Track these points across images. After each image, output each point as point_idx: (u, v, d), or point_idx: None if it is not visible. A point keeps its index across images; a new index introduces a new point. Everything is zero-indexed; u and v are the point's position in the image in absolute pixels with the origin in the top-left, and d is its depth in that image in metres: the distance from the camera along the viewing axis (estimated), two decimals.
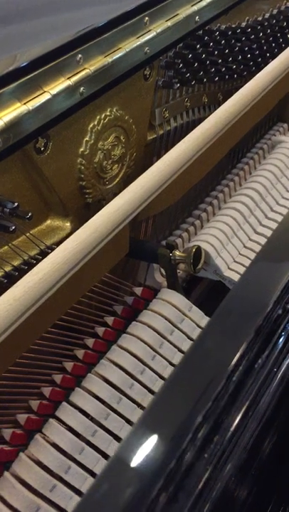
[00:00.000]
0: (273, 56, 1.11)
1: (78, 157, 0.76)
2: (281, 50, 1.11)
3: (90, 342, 0.81)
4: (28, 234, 0.69)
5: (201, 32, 0.91)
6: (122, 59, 0.75)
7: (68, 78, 0.68)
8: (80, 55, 0.69)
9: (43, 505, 0.61)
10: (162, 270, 0.94)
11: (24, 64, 0.65)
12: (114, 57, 0.75)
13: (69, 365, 0.78)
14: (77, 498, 0.62)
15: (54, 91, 0.66)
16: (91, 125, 0.75)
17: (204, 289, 1.02)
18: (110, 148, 0.80)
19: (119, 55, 0.75)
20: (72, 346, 0.80)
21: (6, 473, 0.63)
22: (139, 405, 0.72)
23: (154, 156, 0.92)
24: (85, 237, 0.68)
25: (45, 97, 0.66)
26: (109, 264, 0.82)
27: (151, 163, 0.93)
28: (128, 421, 0.70)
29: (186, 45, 0.89)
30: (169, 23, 0.83)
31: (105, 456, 0.66)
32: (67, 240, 0.66)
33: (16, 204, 0.62)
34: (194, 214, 1.06)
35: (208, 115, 1.04)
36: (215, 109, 1.07)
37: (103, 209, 0.70)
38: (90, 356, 0.80)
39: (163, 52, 0.84)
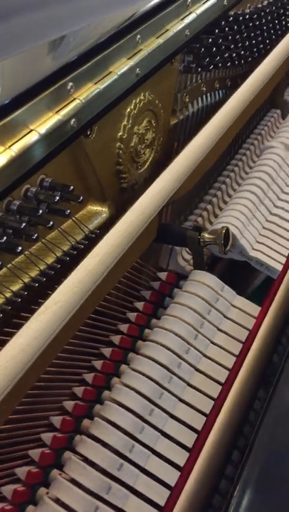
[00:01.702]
0: (273, 43, 1.14)
1: (117, 141, 0.76)
2: (281, 36, 1.14)
3: (123, 327, 0.82)
4: (74, 219, 0.69)
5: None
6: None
7: (129, 58, 0.68)
8: (138, 36, 0.70)
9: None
10: (183, 255, 0.96)
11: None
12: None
13: (108, 351, 0.79)
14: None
15: (119, 71, 0.66)
16: (128, 109, 0.76)
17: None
18: (144, 133, 0.80)
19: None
20: (106, 332, 0.81)
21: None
22: (188, 384, 0.73)
23: (175, 141, 0.93)
24: (132, 219, 0.69)
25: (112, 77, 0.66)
26: (141, 250, 0.83)
27: (172, 149, 0.95)
28: (180, 399, 0.71)
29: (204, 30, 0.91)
30: None
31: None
32: (118, 223, 0.67)
33: (71, 188, 0.62)
34: (205, 199, 1.08)
35: (219, 100, 1.07)
36: (224, 95, 1.10)
37: (146, 192, 0.71)
38: (126, 341, 0.81)
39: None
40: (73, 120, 0.60)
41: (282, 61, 1.10)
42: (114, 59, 0.67)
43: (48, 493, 0.65)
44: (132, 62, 0.69)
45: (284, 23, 1.17)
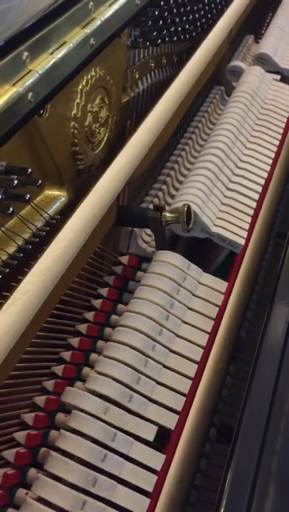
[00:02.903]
0: (214, 17, 1.13)
1: (71, 120, 0.72)
2: (222, 11, 1.13)
3: (89, 315, 0.80)
4: (33, 204, 0.65)
5: None
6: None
7: (83, 27, 0.65)
8: (91, 3, 0.67)
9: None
10: (143, 237, 0.94)
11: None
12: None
13: (75, 341, 0.76)
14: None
15: (74, 40, 0.63)
16: (80, 86, 0.72)
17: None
18: (98, 111, 0.77)
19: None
20: (72, 321, 0.78)
21: None
22: (164, 365, 0.71)
23: (128, 119, 0.91)
24: (95, 201, 0.66)
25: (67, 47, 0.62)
26: (101, 234, 0.80)
27: (125, 128, 0.92)
28: (157, 382, 0.70)
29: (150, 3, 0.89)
30: None
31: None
32: (80, 206, 0.64)
33: (29, 170, 0.58)
34: (159, 180, 1.06)
35: (167, 77, 1.05)
36: (172, 71, 1.08)
37: (106, 173, 0.69)
38: (93, 329, 0.78)
39: None
40: (30, 94, 0.56)
41: (225, 36, 1.10)
42: (68, 28, 0.63)
43: (27, 493, 0.62)
44: (87, 31, 0.65)
45: None
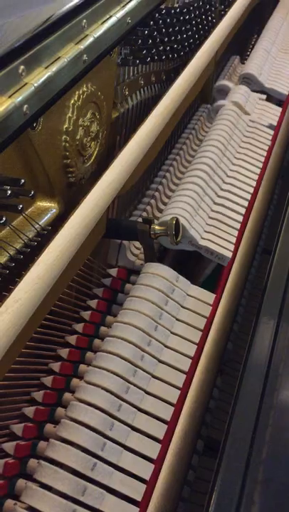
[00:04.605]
0: (201, 38, 1.16)
1: (63, 134, 0.74)
2: (208, 32, 1.17)
3: (78, 327, 0.80)
4: (25, 215, 0.66)
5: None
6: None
7: (76, 43, 0.67)
8: (84, 21, 0.69)
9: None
10: (132, 249, 0.95)
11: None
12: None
13: (65, 352, 0.77)
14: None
15: (67, 56, 0.65)
16: (72, 101, 0.74)
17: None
18: (89, 125, 0.79)
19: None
20: (61, 333, 0.79)
21: None
22: (152, 376, 0.72)
23: (118, 134, 0.92)
24: (86, 213, 0.67)
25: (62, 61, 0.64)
26: (91, 246, 0.81)
27: (115, 143, 0.94)
28: (146, 392, 0.70)
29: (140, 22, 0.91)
30: None
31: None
32: (72, 217, 0.65)
33: (22, 181, 0.59)
34: (148, 194, 1.08)
35: (156, 94, 1.07)
36: (161, 89, 1.11)
37: (97, 185, 0.70)
38: (82, 340, 0.79)
39: None
40: (26, 106, 0.58)
41: (212, 55, 1.13)
42: (62, 43, 0.65)
43: (16, 503, 0.62)
44: (80, 46, 0.67)
45: (210, 18, 1.20)
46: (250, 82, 1.39)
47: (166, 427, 0.68)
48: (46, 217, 0.73)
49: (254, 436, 0.71)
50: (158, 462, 0.66)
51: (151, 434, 0.67)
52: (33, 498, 0.58)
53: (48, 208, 0.74)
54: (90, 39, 0.70)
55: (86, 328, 0.80)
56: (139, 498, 0.62)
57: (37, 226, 0.68)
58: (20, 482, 0.64)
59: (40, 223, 0.71)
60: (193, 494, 0.78)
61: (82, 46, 0.68)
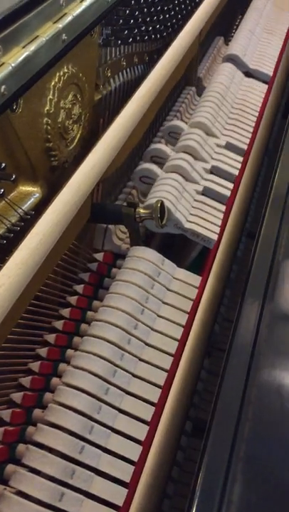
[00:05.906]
0: (184, 18, 1.15)
1: (44, 116, 0.73)
2: (191, 12, 1.15)
3: (65, 312, 0.80)
4: (7, 200, 0.66)
5: None
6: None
7: (55, 22, 0.65)
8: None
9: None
10: (118, 234, 0.95)
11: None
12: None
13: (51, 337, 0.77)
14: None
15: (46, 35, 0.64)
16: (53, 82, 0.73)
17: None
18: (70, 107, 0.78)
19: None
20: (47, 318, 0.79)
21: None
22: (139, 359, 0.72)
23: (101, 117, 0.91)
24: (69, 197, 0.66)
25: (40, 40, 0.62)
26: (76, 231, 0.80)
27: (98, 126, 0.93)
28: (133, 375, 0.71)
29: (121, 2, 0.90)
30: None
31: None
32: (55, 200, 0.65)
33: (3, 165, 0.59)
34: (133, 177, 1.07)
35: (139, 76, 1.06)
36: (144, 70, 1.10)
37: (80, 168, 0.69)
38: (69, 325, 0.79)
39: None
40: (3, 87, 0.57)
41: (195, 36, 1.11)
42: (39, 22, 0.64)
43: (5, 488, 0.62)
44: (59, 25, 0.66)
45: None
46: (234, 63, 1.37)
47: (153, 409, 0.68)
48: (29, 202, 0.72)
49: (240, 416, 0.72)
50: (146, 444, 0.67)
51: (139, 417, 0.67)
52: (22, 482, 0.58)
53: (30, 192, 0.73)
54: (69, 17, 0.69)
55: (73, 313, 0.80)
56: (127, 480, 0.62)
57: (20, 211, 0.68)
58: (10, 467, 0.64)
59: (23, 208, 0.71)
60: (183, 474, 0.79)
61: (60, 25, 0.67)
